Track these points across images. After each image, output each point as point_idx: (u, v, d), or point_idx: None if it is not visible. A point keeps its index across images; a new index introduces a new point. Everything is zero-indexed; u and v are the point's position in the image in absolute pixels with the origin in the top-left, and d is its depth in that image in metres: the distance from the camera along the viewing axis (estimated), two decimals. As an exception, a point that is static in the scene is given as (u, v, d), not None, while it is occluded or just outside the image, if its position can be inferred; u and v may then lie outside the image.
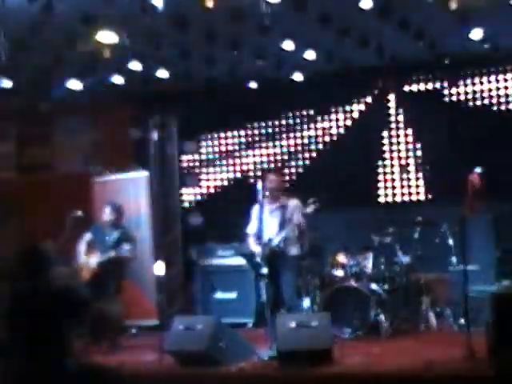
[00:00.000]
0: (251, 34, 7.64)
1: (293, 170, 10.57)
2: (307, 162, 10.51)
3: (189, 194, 11.07)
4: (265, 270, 7.05)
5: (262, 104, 10.35)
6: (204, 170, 11.07)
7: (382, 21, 7.35)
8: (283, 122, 10.66)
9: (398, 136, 10.13)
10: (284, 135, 10.66)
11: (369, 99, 10.26)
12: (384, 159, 10.18)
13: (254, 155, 10.82)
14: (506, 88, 9.58)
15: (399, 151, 10.11)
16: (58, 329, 4.81)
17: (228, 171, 10.98)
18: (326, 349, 6.59)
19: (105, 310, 8.04)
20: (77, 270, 8.28)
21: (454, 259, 8.16)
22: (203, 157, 11.09)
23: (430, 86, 9.94)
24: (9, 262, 5.13)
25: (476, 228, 7.67)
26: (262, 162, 10.76)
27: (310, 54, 8.61)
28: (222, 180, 11.02)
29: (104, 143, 10.98)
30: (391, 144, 10.15)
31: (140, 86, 9.68)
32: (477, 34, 8.03)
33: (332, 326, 6.96)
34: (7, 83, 8.56)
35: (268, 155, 10.75)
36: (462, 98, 9.77)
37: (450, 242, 8.23)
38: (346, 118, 10.36)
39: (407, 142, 10.07)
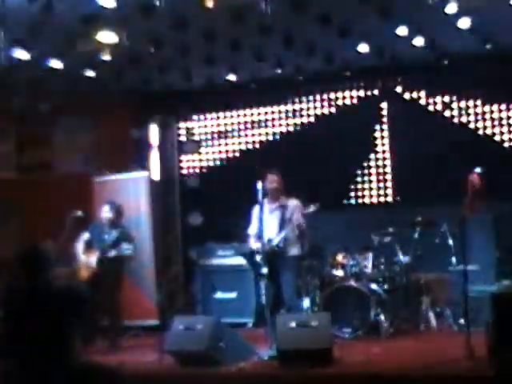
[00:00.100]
0: (251, 35, 7.64)
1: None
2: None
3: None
4: (265, 270, 7.05)
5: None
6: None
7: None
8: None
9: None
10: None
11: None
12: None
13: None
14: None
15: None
16: (58, 329, 4.81)
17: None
18: (326, 349, 6.59)
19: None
20: (76, 270, 8.28)
21: (453, 259, 8.15)
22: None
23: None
24: (9, 262, 5.13)
25: (476, 228, 7.67)
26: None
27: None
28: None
29: (104, 143, 10.98)
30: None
31: (140, 86, 9.72)
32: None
33: (332, 325, 6.96)
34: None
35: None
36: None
37: (450, 242, 8.23)
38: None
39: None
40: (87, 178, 10.24)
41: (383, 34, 8.02)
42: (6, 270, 5.42)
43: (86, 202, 9.68)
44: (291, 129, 10.53)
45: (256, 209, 7.49)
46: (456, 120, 9.75)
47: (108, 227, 8.44)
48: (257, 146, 10.70)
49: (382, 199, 10.15)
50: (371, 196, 10.19)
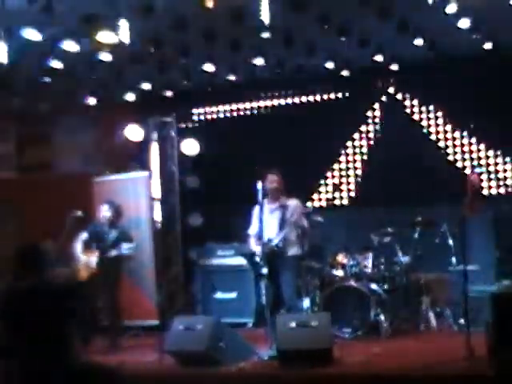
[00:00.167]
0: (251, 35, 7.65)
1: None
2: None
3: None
4: (265, 270, 7.04)
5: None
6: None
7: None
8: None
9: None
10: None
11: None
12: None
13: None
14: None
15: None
16: (57, 328, 4.81)
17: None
18: (325, 349, 6.59)
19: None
20: (75, 270, 8.27)
21: (453, 259, 8.15)
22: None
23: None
24: (8, 262, 5.13)
25: (476, 228, 7.68)
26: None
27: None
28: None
29: (104, 143, 10.98)
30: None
31: (140, 86, 9.72)
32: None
33: (332, 325, 6.95)
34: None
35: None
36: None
37: (450, 242, 8.23)
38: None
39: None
40: (87, 178, 10.24)
41: (382, 34, 8.03)
42: (6, 270, 5.41)
43: (86, 201, 9.68)
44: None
45: (256, 209, 7.48)
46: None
47: (107, 227, 8.44)
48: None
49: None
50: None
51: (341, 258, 8.64)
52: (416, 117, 10.00)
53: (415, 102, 10.01)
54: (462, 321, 7.59)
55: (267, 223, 7.33)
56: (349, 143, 10.37)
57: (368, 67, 9.53)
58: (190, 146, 10.38)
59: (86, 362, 5.22)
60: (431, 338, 7.90)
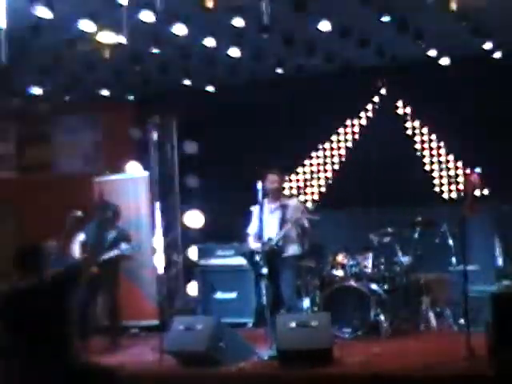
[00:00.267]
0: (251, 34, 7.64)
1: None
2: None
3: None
4: (265, 270, 7.04)
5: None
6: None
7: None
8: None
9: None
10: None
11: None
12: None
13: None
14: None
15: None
16: (58, 328, 4.81)
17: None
18: (325, 349, 6.59)
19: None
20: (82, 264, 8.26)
21: (453, 259, 8.16)
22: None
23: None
24: (9, 262, 5.12)
25: (476, 228, 7.68)
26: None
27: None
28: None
29: (104, 143, 10.98)
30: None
31: (140, 86, 9.71)
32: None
33: (332, 325, 6.96)
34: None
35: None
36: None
37: (450, 242, 8.23)
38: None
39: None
40: (87, 178, 10.24)
41: (382, 34, 8.03)
42: (6, 270, 5.41)
43: (86, 201, 9.68)
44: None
45: (256, 208, 7.48)
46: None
47: (105, 227, 8.42)
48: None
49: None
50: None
51: (341, 258, 8.64)
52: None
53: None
54: (462, 321, 7.59)
55: (267, 223, 7.33)
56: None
57: (360, 67, 9.52)
58: (190, 146, 10.39)
59: (86, 362, 5.22)
60: (431, 338, 7.90)
